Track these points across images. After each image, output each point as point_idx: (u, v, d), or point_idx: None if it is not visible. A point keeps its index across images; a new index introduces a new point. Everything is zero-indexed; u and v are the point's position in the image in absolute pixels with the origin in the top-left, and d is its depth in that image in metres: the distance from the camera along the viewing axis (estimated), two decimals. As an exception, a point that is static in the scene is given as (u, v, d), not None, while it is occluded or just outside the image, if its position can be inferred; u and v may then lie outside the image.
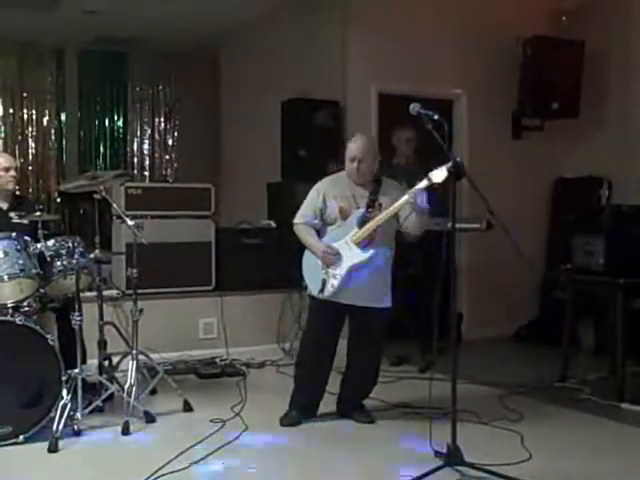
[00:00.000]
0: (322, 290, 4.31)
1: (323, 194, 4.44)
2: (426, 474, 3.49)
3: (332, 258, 4.26)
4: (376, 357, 4.55)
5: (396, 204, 4.14)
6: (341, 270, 4.25)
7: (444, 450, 3.62)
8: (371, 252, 4.23)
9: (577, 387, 5.24)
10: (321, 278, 4.31)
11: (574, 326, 5.72)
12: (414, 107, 3.74)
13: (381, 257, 4.32)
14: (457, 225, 3.71)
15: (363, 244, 4.24)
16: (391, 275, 4.43)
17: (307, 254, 4.46)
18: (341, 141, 6.68)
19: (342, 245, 4.28)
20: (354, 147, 4.38)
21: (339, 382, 4.61)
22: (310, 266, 4.42)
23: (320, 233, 4.46)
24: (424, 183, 4.00)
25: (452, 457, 3.57)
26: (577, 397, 5.06)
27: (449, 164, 3.84)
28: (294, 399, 4.52)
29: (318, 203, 4.44)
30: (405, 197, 4.09)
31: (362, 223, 4.26)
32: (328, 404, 4.59)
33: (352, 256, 4.24)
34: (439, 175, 3.93)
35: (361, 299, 4.32)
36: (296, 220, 4.53)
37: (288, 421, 4.43)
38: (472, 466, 3.55)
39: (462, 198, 6.59)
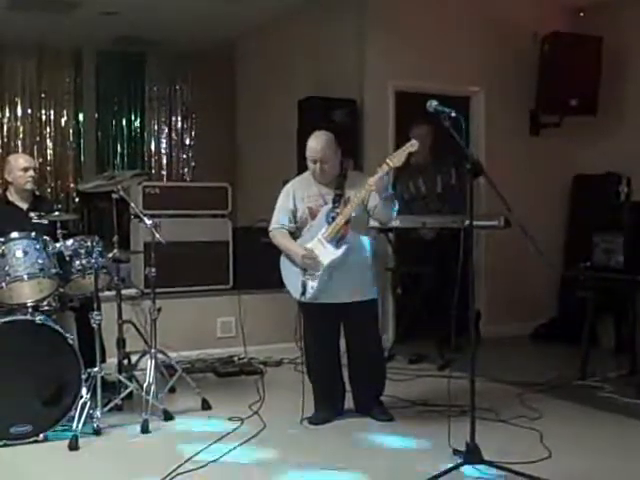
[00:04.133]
0: (303, 293, 4.28)
1: (293, 196, 4.42)
2: (445, 472, 3.48)
3: (313, 263, 4.23)
4: (375, 349, 4.54)
5: (359, 195, 4.13)
6: (319, 270, 4.23)
7: (463, 448, 3.61)
8: (345, 247, 4.20)
9: (597, 385, 5.21)
10: (300, 281, 4.29)
11: (594, 324, 5.68)
12: (431, 104, 3.72)
13: (358, 249, 4.31)
14: (475, 223, 3.70)
15: (336, 239, 4.21)
16: (373, 265, 4.42)
17: (283, 259, 4.43)
18: (358, 139, 6.71)
19: (315, 244, 4.25)
20: (314, 148, 4.31)
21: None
22: (287, 271, 4.40)
23: (294, 236, 4.42)
24: (384, 168, 4.01)
25: (471, 455, 3.55)
26: (597, 395, 5.02)
27: (407, 146, 3.91)
28: (317, 401, 4.51)
29: (289, 206, 4.41)
30: (366, 186, 4.09)
31: (332, 219, 4.24)
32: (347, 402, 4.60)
33: (327, 254, 4.21)
34: (397, 159, 3.94)
35: (345, 295, 4.30)
36: (271, 227, 4.48)
37: (316, 420, 4.41)
38: (491, 464, 3.54)
39: (480, 195, 6.54)
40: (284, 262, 4.42)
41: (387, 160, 4.00)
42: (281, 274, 4.45)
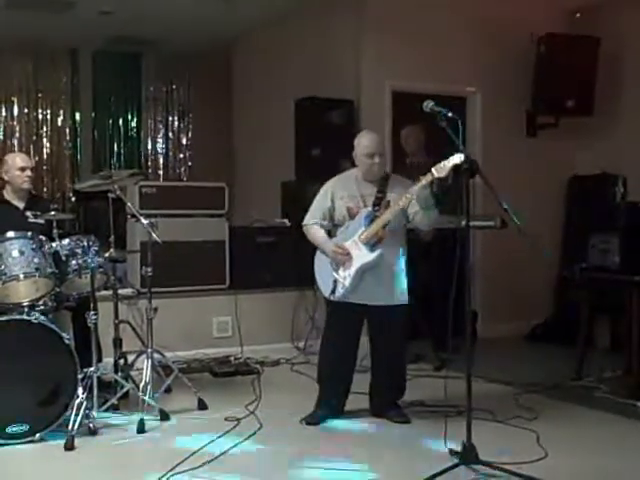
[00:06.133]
0: (333, 292, 4.29)
1: (331, 194, 4.42)
2: (441, 472, 3.48)
3: (343, 258, 4.24)
4: (398, 355, 4.52)
5: (400, 202, 4.12)
6: (350, 271, 4.23)
7: (459, 448, 3.61)
8: (379, 251, 4.20)
9: (593, 385, 5.22)
10: (332, 280, 4.30)
11: (590, 325, 5.69)
12: (427, 104, 3.73)
13: (392, 254, 4.30)
14: (471, 223, 3.70)
15: (372, 243, 4.21)
16: (405, 271, 4.40)
17: (318, 255, 4.44)
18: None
19: (351, 245, 4.25)
20: (372, 143, 4.32)
21: (368, 382, 4.59)
22: (321, 268, 4.40)
23: (330, 234, 4.43)
24: (427, 178, 3.99)
25: (467, 455, 3.56)
26: (593, 395, 5.03)
27: (453, 158, 3.82)
28: (319, 399, 4.51)
29: (327, 203, 4.42)
30: (408, 194, 4.08)
31: (370, 222, 4.23)
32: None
33: (361, 256, 4.21)
34: (442, 170, 3.91)
35: (374, 298, 4.30)
36: (305, 221, 4.50)
37: (312, 420, 4.41)
38: (487, 464, 3.54)
39: (476, 196, 6.56)
40: (319, 258, 4.42)
41: (432, 170, 3.92)
42: (314, 270, 4.45)
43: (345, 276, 4.25)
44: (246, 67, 8.91)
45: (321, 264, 4.41)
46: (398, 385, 4.56)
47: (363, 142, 4.36)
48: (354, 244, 4.25)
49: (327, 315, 4.55)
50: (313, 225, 4.45)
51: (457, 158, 3.83)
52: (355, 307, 4.32)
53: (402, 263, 4.40)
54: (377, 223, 4.20)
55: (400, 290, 4.37)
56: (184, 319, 5.99)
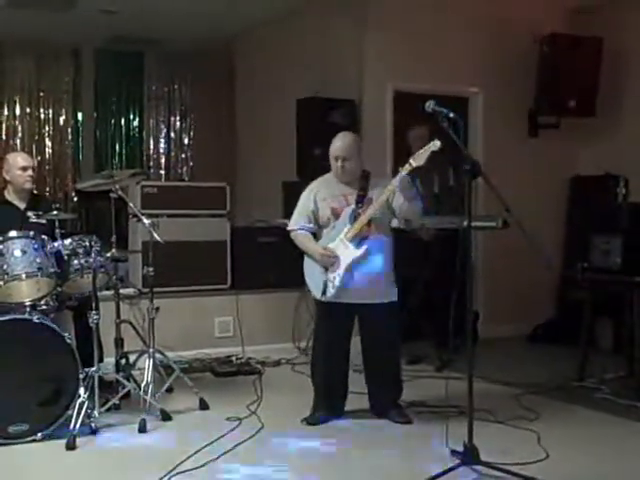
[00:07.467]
0: (324, 292, 4.30)
1: (314, 197, 4.44)
2: (442, 473, 3.48)
3: (330, 260, 4.26)
4: (391, 353, 4.51)
5: (382, 195, 4.15)
6: (340, 270, 4.25)
7: (460, 449, 3.61)
8: (365, 247, 4.22)
9: (595, 387, 5.21)
10: (322, 281, 4.31)
11: (592, 325, 5.68)
12: (429, 105, 3.73)
13: (379, 251, 4.32)
14: (473, 223, 3.70)
15: (358, 240, 4.23)
16: (393, 269, 4.42)
17: (306, 259, 4.45)
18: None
19: (337, 244, 4.28)
20: (339, 146, 4.36)
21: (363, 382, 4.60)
22: (310, 270, 4.42)
23: (315, 237, 4.45)
24: (406, 168, 4.02)
25: (469, 456, 3.56)
26: (595, 397, 5.03)
27: (429, 146, 3.91)
28: (316, 402, 4.50)
29: (310, 206, 4.44)
30: (390, 186, 4.11)
31: (354, 219, 4.26)
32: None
33: (348, 254, 4.23)
34: (420, 158, 3.94)
35: (365, 296, 4.31)
36: (291, 227, 4.52)
37: (313, 420, 4.41)
38: (489, 465, 3.54)
39: (478, 197, 6.57)
40: (307, 261, 4.44)
41: (410, 160, 4.00)
42: (304, 273, 4.47)
43: (335, 276, 4.26)
44: (248, 67, 8.90)
45: (310, 267, 4.42)
46: (394, 384, 4.55)
47: (334, 143, 4.40)
48: (341, 243, 4.27)
49: (316, 317, 4.56)
50: (299, 231, 4.47)
51: (433, 145, 3.89)
52: (345, 307, 4.33)
53: (389, 261, 4.41)
54: (361, 219, 4.22)
55: (390, 287, 4.39)
56: (185, 319, 6.00)
